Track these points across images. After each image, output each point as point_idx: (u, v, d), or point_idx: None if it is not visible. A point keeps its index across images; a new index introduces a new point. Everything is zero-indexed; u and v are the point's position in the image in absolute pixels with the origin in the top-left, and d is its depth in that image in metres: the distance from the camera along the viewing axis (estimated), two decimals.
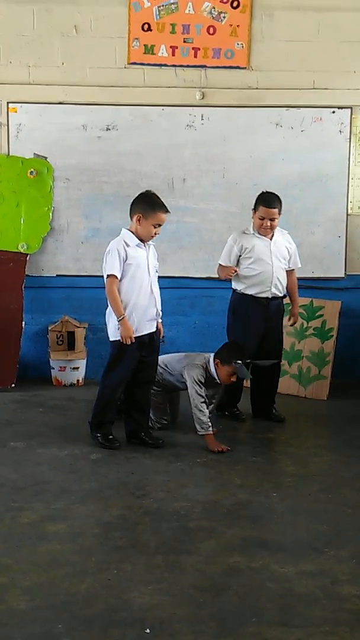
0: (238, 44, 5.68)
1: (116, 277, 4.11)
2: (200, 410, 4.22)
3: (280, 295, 4.76)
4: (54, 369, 5.76)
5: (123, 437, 4.30)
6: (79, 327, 5.77)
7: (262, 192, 4.69)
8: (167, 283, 5.59)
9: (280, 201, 4.63)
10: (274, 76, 5.71)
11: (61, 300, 5.89)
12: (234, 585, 2.67)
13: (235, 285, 4.78)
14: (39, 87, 5.68)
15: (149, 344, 4.25)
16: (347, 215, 5.86)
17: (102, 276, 5.76)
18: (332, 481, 3.81)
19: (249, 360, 4.36)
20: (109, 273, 4.13)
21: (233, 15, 5.63)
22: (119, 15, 5.62)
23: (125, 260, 4.12)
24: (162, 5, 5.62)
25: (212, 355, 4.40)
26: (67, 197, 5.81)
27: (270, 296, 4.68)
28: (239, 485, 3.68)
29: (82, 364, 5.80)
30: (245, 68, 5.71)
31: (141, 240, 4.18)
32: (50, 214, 5.79)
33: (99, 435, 4.25)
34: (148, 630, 2.37)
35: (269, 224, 4.60)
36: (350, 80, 5.74)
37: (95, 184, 5.81)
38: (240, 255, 4.69)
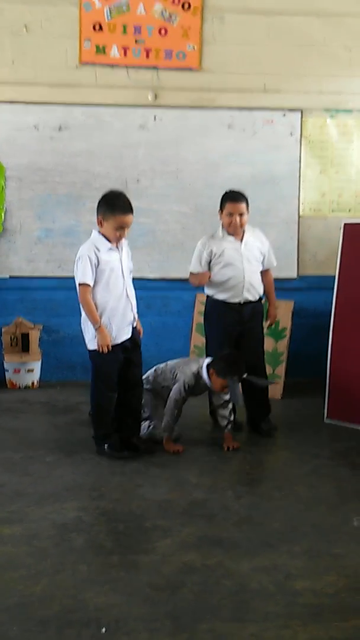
0: (190, 45, 5.71)
1: (89, 285, 3.94)
2: (173, 415, 4.20)
3: (254, 300, 4.56)
4: (8, 371, 5.71)
5: None
6: (33, 328, 5.73)
7: (226, 191, 4.53)
8: None
9: (246, 197, 4.48)
10: (225, 78, 5.77)
11: (15, 301, 5.84)
12: (189, 583, 2.69)
13: (207, 290, 4.61)
14: None
15: (131, 346, 4.14)
16: (299, 217, 5.95)
17: (57, 277, 5.80)
18: (286, 479, 3.86)
19: (245, 376, 4.21)
20: (80, 282, 3.95)
21: (184, 17, 5.67)
22: (70, 15, 5.61)
23: (98, 265, 3.94)
24: (113, 6, 5.62)
25: (205, 360, 4.30)
26: (19, 198, 5.75)
27: (242, 301, 4.50)
28: (194, 484, 3.71)
29: (36, 366, 5.76)
30: (197, 70, 5.75)
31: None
32: (2, 215, 5.73)
33: (106, 446, 4.11)
34: (104, 630, 2.37)
35: (237, 219, 4.40)
36: (300, 83, 5.84)
37: (47, 184, 5.77)
38: (210, 260, 4.50)
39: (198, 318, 5.95)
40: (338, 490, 3.69)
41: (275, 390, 5.51)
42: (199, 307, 5.95)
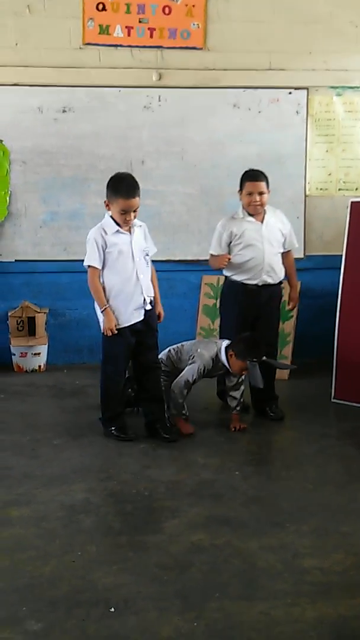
0: (194, 24, 5.64)
1: (96, 268, 3.97)
2: (182, 393, 4.19)
3: (274, 282, 4.46)
4: (14, 355, 5.72)
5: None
6: (39, 312, 5.73)
7: (246, 170, 4.44)
8: None
9: (266, 176, 4.37)
10: (230, 57, 5.70)
11: (20, 285, 5.83)
12: (197, 562, 2.70)
13: (225, 271, 4.51)
14: None
15: (145, 330, 4.08)
16: (305, 196, 5.91)
17: (63, 261, 5.80)
18: (294, 458, 3.87)
19: (264, 359, 4.16)
20: (87, 264, 3.99)
21: None
22: None
23: (105, 248, 3.96)
24: None
25: (224, 342, 4.27)
26: (24, 181, 5.73)
27: (260, 284, 4.41)
28: (202, 465, 3.71)
29: (43, 349, 5.76)
30: (201, 49, 5.68)
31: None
32: (8, 198, 5.71)
33: (112, 428, 4.11)
34: (112, 609, 2.39)
35: (257, 198, 4.30)
36: (306, 61, 5.76)
37: (52, 167, 5.74)
38: (230, 242, 4.41)
39: (204, 300, 5.94)
40: (345, 469, 3.70)
41: (283, 371, 5.50)
42: (205, 289, 5.94)
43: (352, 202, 5.00)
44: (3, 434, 4.20)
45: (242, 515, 3.13)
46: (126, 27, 5.62)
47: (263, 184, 4.34)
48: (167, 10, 5.61)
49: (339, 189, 5.94)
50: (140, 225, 4.11)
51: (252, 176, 4.36)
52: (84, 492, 3.34)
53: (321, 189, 5.94)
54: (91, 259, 3.97)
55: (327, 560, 2.72)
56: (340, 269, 4.97)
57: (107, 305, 3.98)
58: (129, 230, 4.00)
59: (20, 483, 3.46)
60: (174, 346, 4.48)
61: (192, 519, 3.08)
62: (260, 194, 4.33)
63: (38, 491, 3.36)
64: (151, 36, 5.65)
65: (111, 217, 4.00)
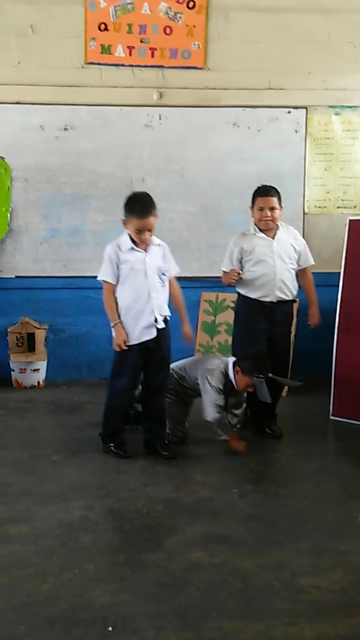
0: (194, 44, 5.72)
1: (109, 283, 4.01)
2: (218, 415, 4.10)
3: (288, 298, 4.43)
4: (14, 371, 5.73)
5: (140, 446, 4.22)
6: (39, 328, 5.74)
7: (258, 186, 4.44)
8: None
9: (277, 192, 4.38)
10: (230, 76, 5.77)
11: (20, 301, 5.86)
12: (195, 580, 2.70)
13: (238, 288, 4.48)
14: None
15: (155, 349, 4.05)
16: (304, 214, 5.95)
17: (63, 277, 5.83)
18: (292, 476, 3.87)
19: (270, 376, 4.12)
20: (100, 278, 4.04)
21: (189, 15, 5.67)
22: (76, 15, 5.62)
23: (119, 264, 3.98)
24: (119, 5, 5.63)
25: (230, 359, 4.24)
26: (25, 198, 5.77)
27: (275, 300, 4.37)
28: (200, 482, 3.72)
29: (42, 365, 5.77)
30: (202, 68, 5.75)
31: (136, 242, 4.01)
32: (9, 215, 5.75)
33: (112, 445, 4.12)
34: (110, 628, 2.38)
35: (269, 213, 4.30)
36: (305, 80, 5.83)
37: (53, 184, 5.79)
38: (241, 258, 4.40)
39: (203, 316, 5.96)
40: (343, 487, 3.70)
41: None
42: (204, 306, 5.96)
43: (350, 220, 5.03)
44: (2, 450, 4.20)
45: (240, 533, 3.13)
46: (128, 47, 5.69)
47: (274, 200, 4.34)
48: (168, 30, 5.68)
49: (338, 207, 5.99)
50: (159, 245, 4.11)
51: (264, 192, 4.36)
52: (82, 509, 3.34)
53: (320, 207, 5.98)
54: (104, 274, 4.03)
55: (325, 579, 2.72)
56: (338, 286, 4.99)
57: (117, 321, 4.00)
58: (145, 249, 4.01)
59: (19, 500, 3.46)
60: (178, 364, 4.41)
61: (190, 537, 3.08)
62: (272, 209, 4.33)
63: (36, 508, 3.36)
64: (152, 56, 5.72)
65: (129, 234, 4.00)
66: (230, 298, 5.82)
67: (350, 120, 5.92)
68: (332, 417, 4.88)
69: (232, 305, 5.77)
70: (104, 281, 4.03)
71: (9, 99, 5.65)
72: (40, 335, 5.74)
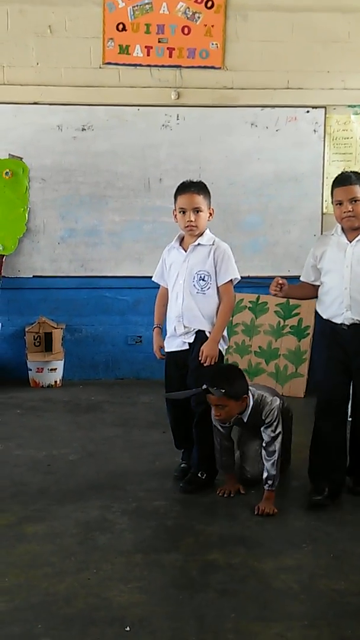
0: (213, 44, 5.70)
1: (157, 283, 3.77)
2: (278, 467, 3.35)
3: None
4: (31, 370, 5.74)
5: None
6: (56, 328, 5.75)
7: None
8: (144, 283, 5.60)
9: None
10: (248, 76, 5.75)
11: (38, 301, 5.87)
12: (212, 582, 2.68)
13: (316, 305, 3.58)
14: (13, 87, 5.66)
15: (183, 364, 3.60)
16: (322, 214, 5.90)
17: (80, 277, 5.85)
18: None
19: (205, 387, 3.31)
20: (153, 279, 3.80)
21: (207, 15, 5.65)
22: (94, 16, 5.62)
23: (166, 264, 3.69)
24: (137, 6, 5.63)
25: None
26: (42, 198, 5.79)
27: (347, 323, 3.35)
28: (217, 483, 3.68)
29: (59, 365, 5.78)
30: (220, 68, 5.73)
31: (184, 240, 3.64)
32: (26, 215, 5.77)
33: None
34: (128, 629, 2.37)
35: (350, 208, 3.31)
36: (323, 80, 5.79)
37: (71, 185, 5.79)
38: (316, 266, 3.51)
39: None
40: None
41: (299, 389, 5.48)
42: None
43: None
44: (19, 449, 4.21)
45: (258, 534, 3.10)
46: (146, 47, 5.68)
47: (355, 188, 3.34)
48: (186, 30, 5.67)
49: None
50: (210, 245, 3.57)
51: (340, 181, 3.42)
52: (99, 509, 3.34)
53: None
54: (155, 273, 3.79)
55: (344, 582, 2.69)
56: None
57: (155, 325, 3.73)
58: (187, 248, 3.59)
59: (36, 499, 3.46)
60: None
61: (207, 538, 3.06)
62: (353, 200, 3.33)
63: (53, 507, 3.36)
64: (170, 56, 5.71)
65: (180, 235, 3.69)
66: (247, 298, 5.81)
67: None
68: (350, 418, 4.82)
69: (250, 305, 5.77)
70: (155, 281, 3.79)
71: (27, 99, 5.66)
72: (58, 335, 5.75)
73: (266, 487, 3.33)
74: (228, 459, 3.56)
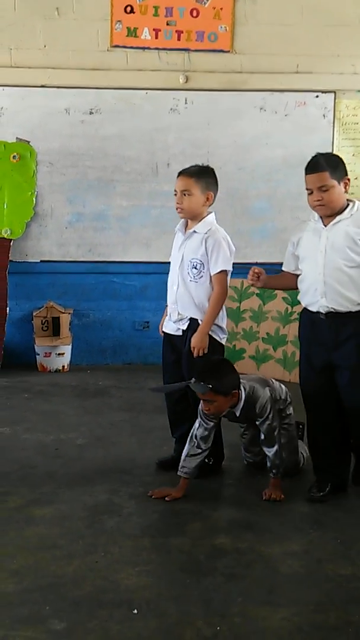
0: (221, 27, 5.65)
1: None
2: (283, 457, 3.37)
3: (345, 310, 3.13)
4: (39, 354, 5.76)
5: None
6: (63, 312, 5.76)
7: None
8: (152, 268, 5.62)
9: (333, 161, 3.18)
10: (257, 60, 5.70)
11: (45, 285, 5.88)
12: (220, 566, 2.70)
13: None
14: (21, 70, 5.63)
15: (178, 349, 3.55)
16: None
17: (88, 261, 5.85)
18: None
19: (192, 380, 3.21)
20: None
21: None
22: None
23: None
24: None
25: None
26: (50, 182, 5.77)
27: (324, 311, 3.17)
28: (225, 468, 3.69)
29: (67, 349, 5.79)
30: (228, 51, 5.69)
31: (188, 225, 3.55)
32: (34, 199, 5.75)
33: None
34: (135, 611, 2.39)
35: (319, 196, 3.13)
36: (333, 64, 5.74)
37: (78, 169, 5.77)
38: (294, 253, 3.37)
39: (228, 303, 5.83)
40: None
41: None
42: (229, 292, 5.89)
43: None
44: (27, 433, 4.23)
45: (265, 519, 3.11)
46: (154, 29, 5.64)
47: (323, 175, 3.13)
48: (194, 13, 5.62)
49: None
50: (200, 233, 3.45)
51: (308, 167, 3.22)
52: (106, 493, 3.35)
53: (347, 193, 5.88)
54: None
55: (350, 567, 2.70)
56: None
57: (166, 305, 3.66)
58: (184, 232, 3.53)
59: (43, 482, 3.48)
60: None
61: (214, 523, 3.08)
62: (320, 188, 3.14)
63: (61, 491, 3.38)
64: (178, 39, 5.66)
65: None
66: None
67: None
68: None
69: (258, 292, 5.75)
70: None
71: (35, 82, 5.63)
72: (65, 320, 5.76)
73: (271, 475, 3.33)
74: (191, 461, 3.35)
